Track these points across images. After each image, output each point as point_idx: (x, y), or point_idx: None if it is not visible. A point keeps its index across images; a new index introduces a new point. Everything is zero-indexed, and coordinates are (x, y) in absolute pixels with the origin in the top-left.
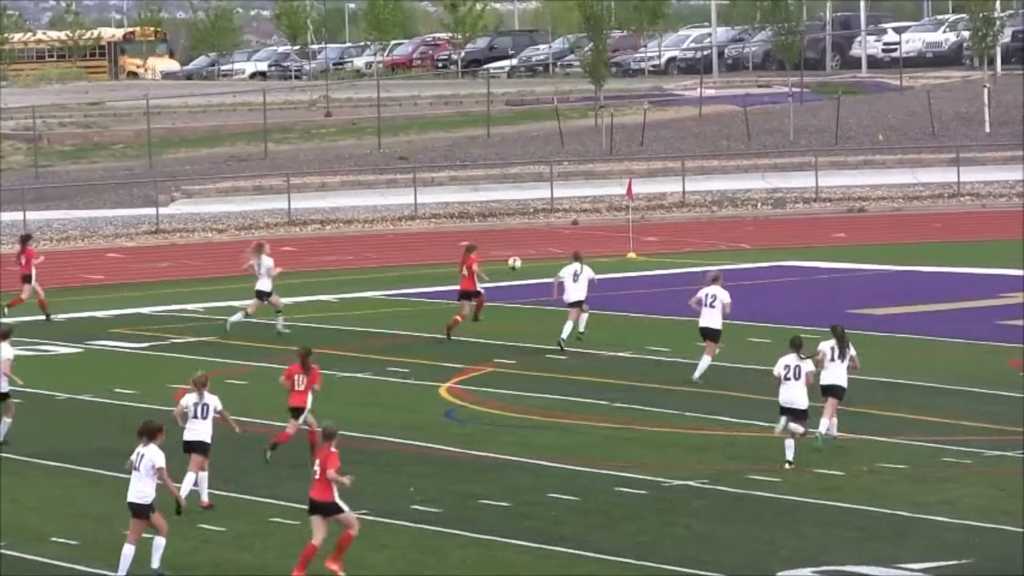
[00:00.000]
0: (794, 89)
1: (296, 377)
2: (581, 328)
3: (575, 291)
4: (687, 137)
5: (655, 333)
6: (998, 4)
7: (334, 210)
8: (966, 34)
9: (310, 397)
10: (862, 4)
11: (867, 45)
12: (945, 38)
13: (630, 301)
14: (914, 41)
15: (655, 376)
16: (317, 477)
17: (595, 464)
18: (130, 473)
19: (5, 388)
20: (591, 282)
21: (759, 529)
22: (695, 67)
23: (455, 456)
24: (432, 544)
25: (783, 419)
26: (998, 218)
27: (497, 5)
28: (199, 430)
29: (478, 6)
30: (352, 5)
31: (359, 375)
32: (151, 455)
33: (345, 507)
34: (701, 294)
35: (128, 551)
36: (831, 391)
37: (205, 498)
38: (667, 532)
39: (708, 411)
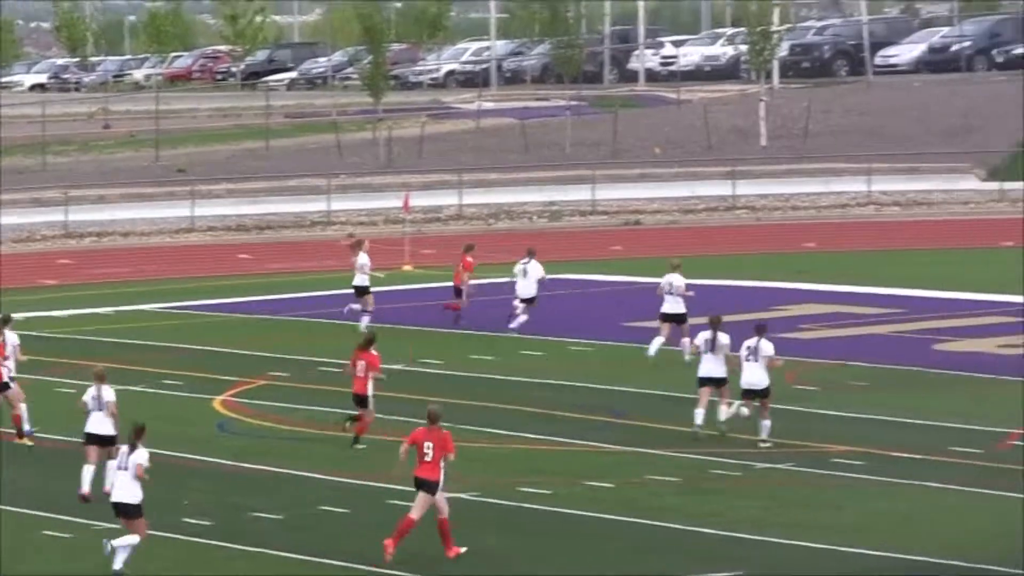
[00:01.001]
0: (572, 102)
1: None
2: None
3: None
4: (465, 150)
5: (429, 346)
6: (776, 18)
7: (112, 222)
8: (744, 48)
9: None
10: (640, 17)
11: (645, 59)
12: (723, 52)
13: (406, 314)
14: (692, 55)
15: (426, 389)
16: (429, 459)
17: (367, 476)
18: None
19: (7, 376)
20: (540, 280)
21: (531, 542)
22: (474, 80)
23: (228, 469)
24: (203, 557)
25: (736, 403)
26: (771, 231)
27: (277, 18)
28: (99, 422)
29: (258, 19)
30: (132, 17)
31: (134, 388)
32: (137, 456)
33: (441, 488)
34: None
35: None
36: (710, 382)
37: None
38: (438, 544)
39: (480, 424)
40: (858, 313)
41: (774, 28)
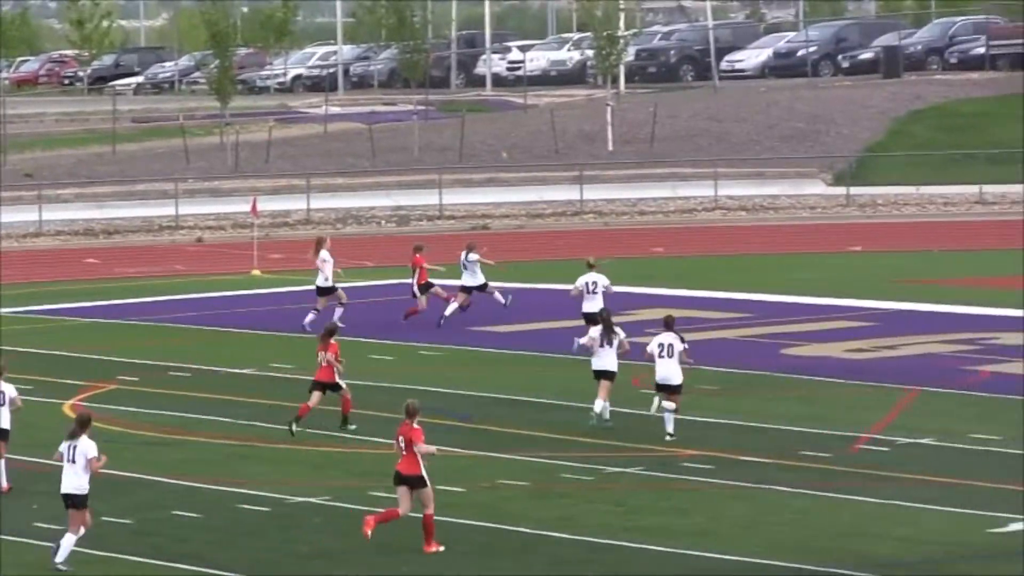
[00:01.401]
0: (419, 107)
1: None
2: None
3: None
4: (312, 155)
5: (279, 350)
6: (622, 23)
7: None
8: (590, 53)
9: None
10: (487, 22)
11: (492, 64)
12: (569, 56)
13: (254, 318)
14: (539, 60)
15: (277, 393)
16: (405, 453)
17: (218, 481)
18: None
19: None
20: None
21: (382, 546)
22: (320, 85)
23: None
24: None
25: (656, 398)
26: (618, 236)
27: (123, 22)
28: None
29: (104, 23)
30: None
31: None
32: (83, 447)
33: (428, 482)
34: (580, 282)
35: (68, 540)
36: (603, 375)
37: (5, 483)
38: (290, 548)
39: (329, 428)
40: (706, 317)
41: (620, 33)
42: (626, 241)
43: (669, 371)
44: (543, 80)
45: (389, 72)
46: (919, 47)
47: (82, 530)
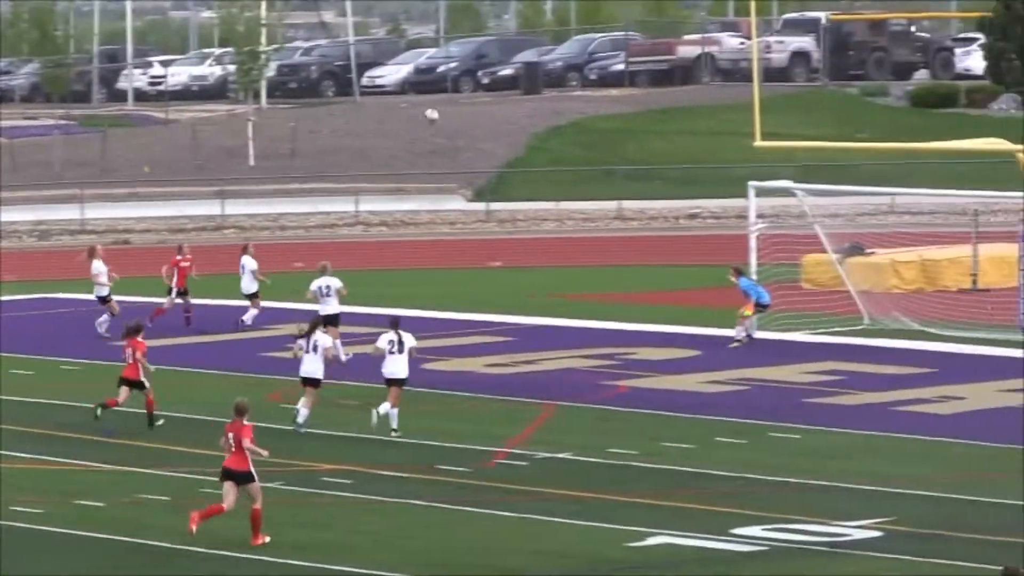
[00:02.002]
0: (61, 121)
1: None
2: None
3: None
4: None
5: None
6: (263, 38)
7: None
8: (232, 68)
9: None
10: (129, 37)
11: (133, 78)
12: (211, 71)
13: None
14: (180, 75)
15: None
16: (233, 449)
17: None
18: None
19: None
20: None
21: (20, 560)
22: None
23: None
24: None
25: (374, 412)
26: (261, 250)
27: None
28: None
29: None
30: None
31: None
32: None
33: (255, 477)
34: (314, 286)
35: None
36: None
37: None
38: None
39: None
40: (347, 332)
41: (262, 48)
42: (267, 256)
43: (397, 366)
44: (185, 95)
45: (31, 86)
46: (559, 63)
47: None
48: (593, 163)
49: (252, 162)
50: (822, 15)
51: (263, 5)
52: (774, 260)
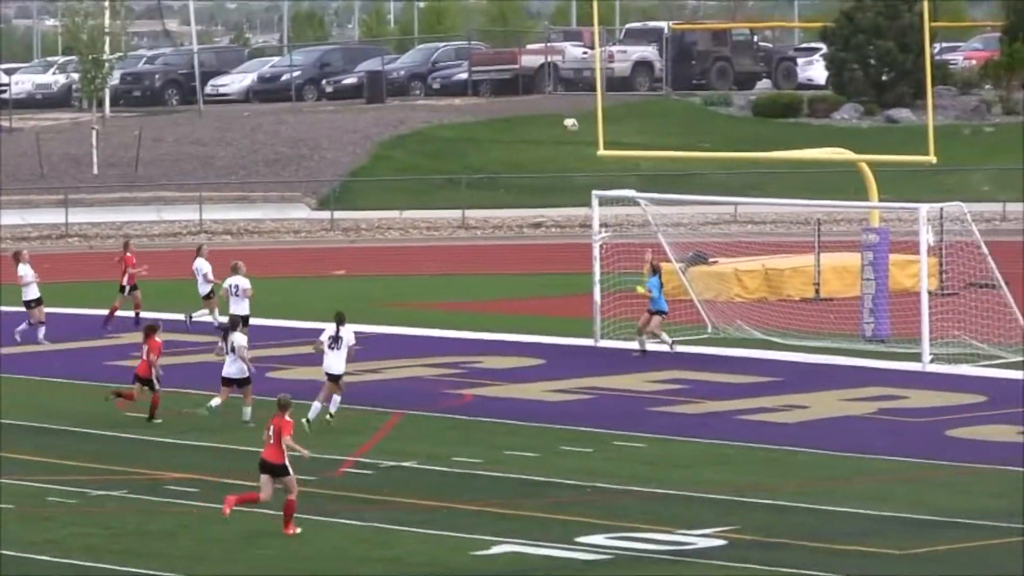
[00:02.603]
0: None
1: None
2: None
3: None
4: None
5: None
6: (107, 47)
7: None
8: (75, 76)
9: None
10: None
11: None
12: (55, 80)
13: None
14: (24, 83)
15: None
16: (271, 442)
17: None
18: None
19: None
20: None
21: None
22: None
23: None
24: None
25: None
26: (106, 258)
27: None
28: None
29: None
30: None
31: None
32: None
33: (291, 471)
34: (226, 284)
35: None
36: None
37: None
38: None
39: None
40: (191, 341)
41: (106, 57)
42: (112, 263)
43: (333, 362)
44: (28, 103)
45: None
46: (402, 72)
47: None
48: (437, 172)
49: (96, 170)
50: (665, 24)
51: (107, 13)
52: (618, 269)
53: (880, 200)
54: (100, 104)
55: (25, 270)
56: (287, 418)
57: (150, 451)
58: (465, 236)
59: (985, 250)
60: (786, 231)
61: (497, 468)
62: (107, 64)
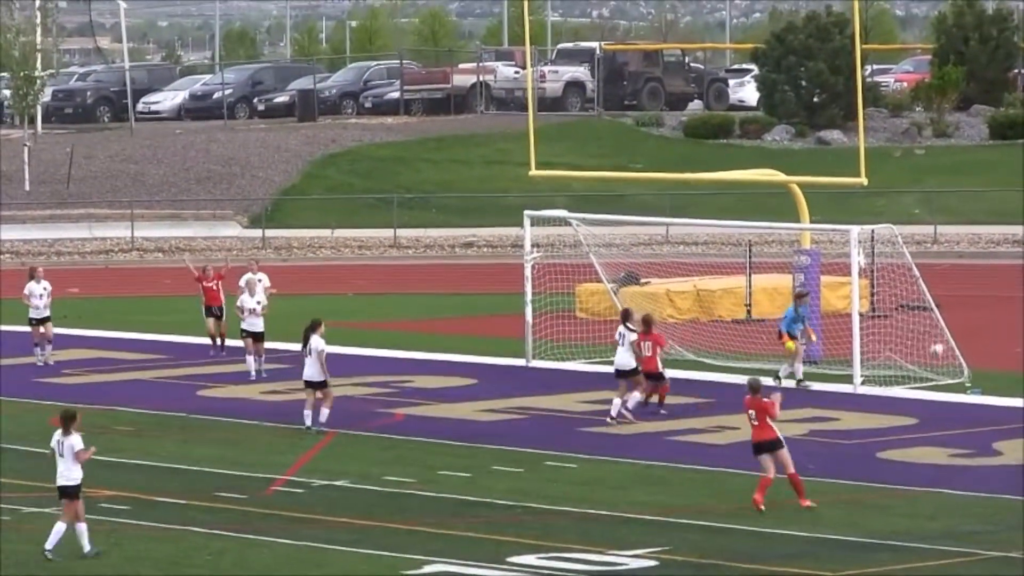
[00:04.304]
0: None
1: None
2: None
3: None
4: None
5: None
6: (39, 64)
7: None
8: (7, 93)
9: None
10: None
11: None
12: None
13: None
14: None
15: None
16: (756, 423)
17: None
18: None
19: None
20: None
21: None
22: None
23: None
24: None
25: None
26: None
27: None
28: None
29: None
30: None
31: None
32: (71, 441)
33: (784, 443)
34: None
35: (60, 527)
36: (308, 384)
37: None
38: None
39: None
40: (122, 358)
41: (38, 74)
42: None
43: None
44: None
45: None
46: (334, 91)
47: (79, 525)
48: (369, 191)
49: (28, 187)
50: (596, 45)
51: (38, 30)
52: (549, 290)
53: (811, 222)
54: (32, 121)
55: (31, 287)
56: (763, 399)
57: (84, 468)
58: (397, 255)
59: (916, 272)
60: (718, 252)
61: (429, 487)
62: (39, 81)
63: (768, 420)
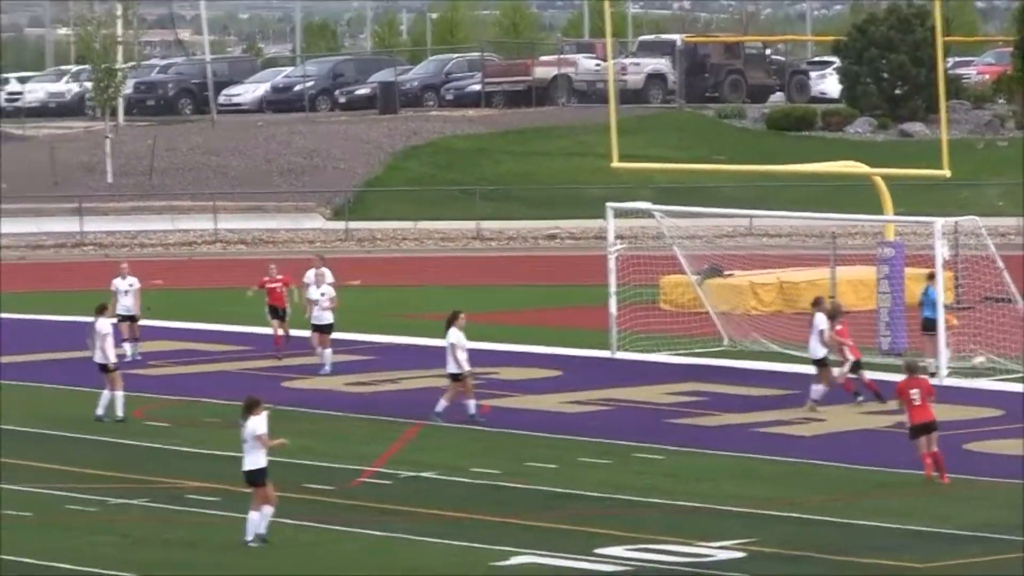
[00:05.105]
0: None
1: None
2: None
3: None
4: None
5: None
6: (120, 56)
7: None
8: (88, 85)
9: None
10: None
11: None
12: (68, 88)
13: None
14: (37, 91)
15: None
16: (918, 404)
17: None
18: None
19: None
20: None
21: None
22: None
23: None
24: None
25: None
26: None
27: None
28: None
29: None
30: None
31: None
32: (252, 426)
33: (938, 426)
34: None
35: (253, 516)
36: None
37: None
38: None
39: None
40: (207, 350)
41: (118, 66)
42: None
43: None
44: (42, 112)
45: None
46: (415, 83)
47: (266, 508)
48: (450, 183)
49: (110, 179)
50: (677, 37)
51: (119, 23)
52: (633, 281)
53: (895, 214)
54: (113, 113)
55: (116, 284)
56: (920, 376)
57: (171, 460)
58: (480, 247)
59: (1000, 264)
60: (801, 244)
61: (517, 479)
62: (120, 73)
63: (928, 400)
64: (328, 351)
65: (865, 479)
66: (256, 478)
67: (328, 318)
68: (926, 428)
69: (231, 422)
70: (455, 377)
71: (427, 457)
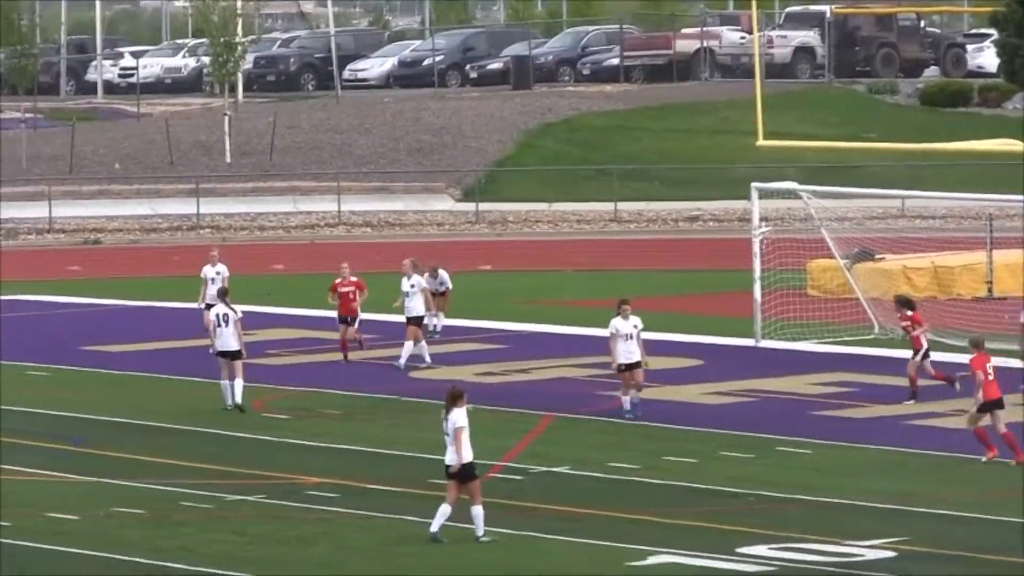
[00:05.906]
0: (27, 115)
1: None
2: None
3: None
4: None
5: None
6: (239, 29)
7: None
8: (206, 59)
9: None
10: (98, 27)
11: (103, 70)
12: (185, 63)
13: None
14: (152, 66)
15: None
16: (992, 379)
17: None
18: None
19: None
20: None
21: None
22: None
23: None
24: None
25: None
26: (237, 251)
27: None
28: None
29: None
30: None
31: None
32: (455, 418)
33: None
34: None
35: (445, 510)
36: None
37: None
38: None
39: None
40: (327, 338)
41: (238, 39)
42: (245, 257)
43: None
44: (157, 87)
45: None
46: (550, 57)
47: (474, 508)
48: (587, 162)
49: (229, 158)
50: (827, 8)
51: None
52: (779, 266)
53: None
54: (232, 89)
55: (206, 271)
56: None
57: (289, 455)
58: (617, 230)
59: None
60: (956, 226)
61: (654, 474)
62: (239, 47)
63: (995, 379)
64: (423, 343)
65: (1020, 475)
66: (465, 473)
67: (420, 309)
68: (997, 404)
69: (353, 413)
70: (624, 368)
71: (559, 451)
